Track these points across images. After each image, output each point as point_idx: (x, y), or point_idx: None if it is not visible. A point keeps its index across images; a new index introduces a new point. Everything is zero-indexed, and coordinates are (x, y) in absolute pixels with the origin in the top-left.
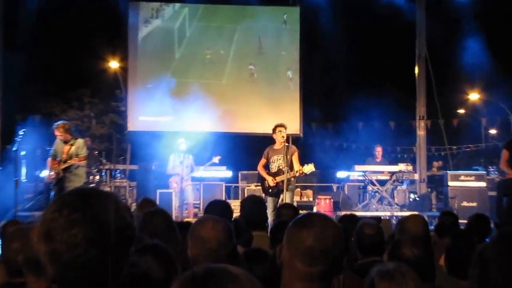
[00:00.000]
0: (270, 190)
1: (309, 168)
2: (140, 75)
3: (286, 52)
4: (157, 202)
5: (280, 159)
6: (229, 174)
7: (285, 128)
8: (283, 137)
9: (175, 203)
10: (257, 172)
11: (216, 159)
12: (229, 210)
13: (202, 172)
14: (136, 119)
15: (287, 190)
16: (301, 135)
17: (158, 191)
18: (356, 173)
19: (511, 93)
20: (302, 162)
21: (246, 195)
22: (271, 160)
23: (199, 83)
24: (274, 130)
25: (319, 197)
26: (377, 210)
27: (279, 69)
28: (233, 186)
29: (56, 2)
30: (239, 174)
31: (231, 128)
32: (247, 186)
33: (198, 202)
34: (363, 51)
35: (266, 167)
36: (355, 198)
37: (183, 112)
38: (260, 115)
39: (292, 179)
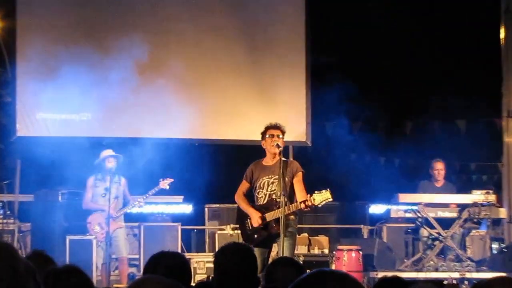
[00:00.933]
0: (255, 236)
1: (322, 197)
2: (38, 43)
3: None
4: (66, 256)
5: (273, 182)
6: (188, 209)
7: (282, 132)
8: (278, 146)
9: (96, 258)
10: (235, 205)
11: (164, 184)
12: (186, 270)
13: (144, 206)
14: (31, 118)
15: (285, 236)
16: (309, 143)
17: (69, 237)
18: (402, 206)
19: None
20: (311, 189)
21: (218, 244)
22: (258, 184)
23: (143, 65)
24: (263, 134)
25: (340, 247)
26: (437, 270)
27: (276, 46)
28: (195, 230)
29: None
30: (206, 210)
31: (194, 133)
32: (219, 229)
33: (136, 256)
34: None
35: (250, 196)
36: (400, 250)
37: (114, 107)
38: (246, 114)
39: (293, 216)
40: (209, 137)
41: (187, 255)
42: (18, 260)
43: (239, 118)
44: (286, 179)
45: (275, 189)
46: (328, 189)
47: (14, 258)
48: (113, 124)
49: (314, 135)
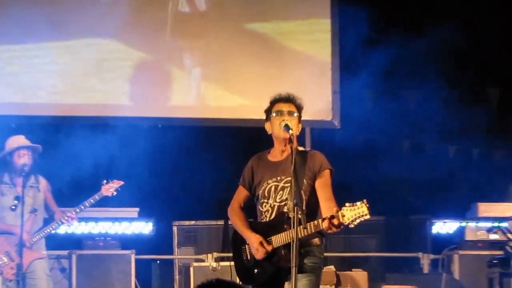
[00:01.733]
0: (255, 271)
1: (355, 213)
2: None
3: None
4: None
5: (284, 188)
6: (147, 228)
7: (297, 108)
8: (288, 128)
9: None
10: (220, 222)
11: (109, 189)
12: None
13: (77, 223)
14: None
15: (301, 271)
16: (337, 124)
17: None
18: (483, 223)
19: None
20: (342, 197)
21: (194, 284)
22: (261, 190)
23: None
24: (268, 112)
25: (386, 287)
26: None
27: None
28: (158, 261)
29: None
30: (175, 230)
31: (158, 109)
32: (196, 260)
33: None
34: None
35: (249, 209)
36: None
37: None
38: (245, 86)
39: (317, 240)
40: (181, 115)
41: None
42: None
43: (228, 84)
44: (304, 181)
45: (287, 198)
46: (364, 200)
47: None
48: (27, 95)
49: (345, 112)
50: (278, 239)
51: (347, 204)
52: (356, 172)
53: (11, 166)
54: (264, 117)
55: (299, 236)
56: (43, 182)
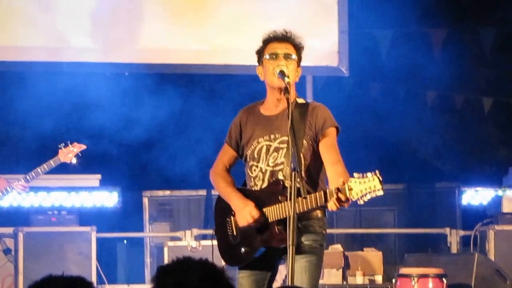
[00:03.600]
0: (243, 250)
1: (365, 186)
2: None
3: None
4: None
5: (278, 149)
6: (111, 200)
7: (296, 48)
8: (283, 74)
9: None
10: (204, 193)
11: (68, 154)
12: None
13: (27, 193)
14: None
15: (299, 252)
16: (345, 71)
17: None
18: None
19: None
20: (350, 164)
21: (166, 263)
22: (250, 150)
23: None
24: (260, 53)
25: (406, 271)
26: None
27: None
28: (125, 241)
29: None
30: (145, 202)
31: (124, 54)
32: (172, 238)
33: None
34: None
35: (239, 173)
36: None
37: None
38: (230, 24)
39: (319, 213)
40: (151, 61)
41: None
42: None
43: (208, 23)
44: (304, 142)
45: (282, 162)
46: (376, 171)
47: None
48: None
49: (354, 56)
50: (272, 213)
51: (355, 175)
52: (369, 132)
53: None
54: (255, 61)
55: (298, 210)
56: None
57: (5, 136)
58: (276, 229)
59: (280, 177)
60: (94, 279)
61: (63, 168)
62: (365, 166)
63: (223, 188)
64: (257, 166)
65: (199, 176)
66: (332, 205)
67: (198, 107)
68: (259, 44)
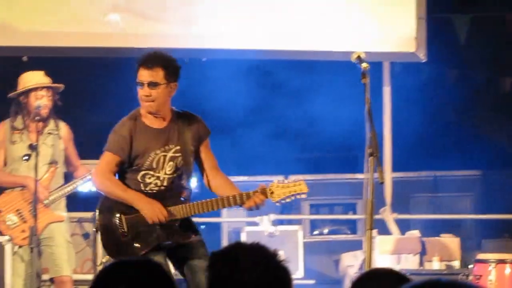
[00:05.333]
0: (136, 246)
1: (290, 190)
2: None
3: None
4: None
5: (172, 157)
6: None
7: (164, 68)
8: (148, 99)
9: (12, 276)
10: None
11: None
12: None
13: None
14: None
15: (199, 247)
16: (422, 56)
17: None
18: None
19: None
20: (429, 148)
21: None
22: (147, 159)
23: None
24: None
25: (481, 256)
26: None
27: None
28: (202, 226)
29: None
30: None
31: (200, 39)
32: (249, 224)
33: (88, 276)
34: None
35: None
36: None
37: None
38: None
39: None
40: (225, 46)
41: None
42: None
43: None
44: (192, 148)
45: (180, 168)
46: (302, 180)
47: None
48: (45, 22)
49: (432, 42)
50: (176, 211)
51: (276, 181)
52: (446, 118)
53: (25, 108)
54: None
55: (214, 209)
56: (64, 129)
57: (85, 122)
58: (178, 226)
59: (182, 181)
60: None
61: None
62: (441, 152)
63: (122, 190)
64: (153, 175)
65: (274, 162)
66: (250, 204)
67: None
68: (359, 30)
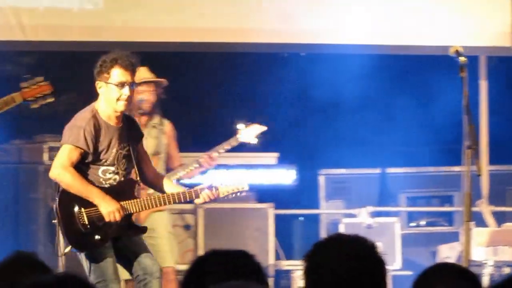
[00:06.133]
0: (97, 238)
1: (234, 186)
2: None
3: None
4: (59, 262)
5: (125, 155)
6: (288, 177)
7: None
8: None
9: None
10: (378, 171)
11: (248, 135)
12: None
13: (209, 170)
14: None
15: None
16: None
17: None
18: None
19: None
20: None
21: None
22: (110, 155)
23: None
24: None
25: None
26: None
27: None
28: (301, 218)
29: None
30: (321, 180)
31: (287, 34)
32: (347, 216)
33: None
34: None
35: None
36: None
37: None
38: None
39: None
40: (324, 41)
41: (286, 263)
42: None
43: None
44: (135, 147)
45: (133, 165)
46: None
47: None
48: (148, 17)
49: None
50: (130, 206)
51: (223, 184)
52: None
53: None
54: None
55: (170, 203)
56: (168, 126)
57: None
58: (134, 220)
59: (136, 178)
60: (271, 255)
61: (242, 146)
62: None
63: (81, 184)
64: (113, 171)
65: (373, 155)
66: (200, 201)
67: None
68: (455, 24)
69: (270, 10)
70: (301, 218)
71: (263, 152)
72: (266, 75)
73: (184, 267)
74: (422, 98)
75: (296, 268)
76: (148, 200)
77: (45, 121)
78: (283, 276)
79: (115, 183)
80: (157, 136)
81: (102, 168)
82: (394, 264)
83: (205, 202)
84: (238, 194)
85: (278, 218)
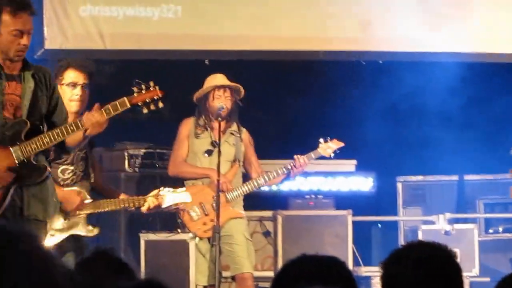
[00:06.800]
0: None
1: (178, 196)
2: None
3: None
4: (140, 268)
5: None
6: (366, 184)
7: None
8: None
9: (195, 273)
10: (456, 178)
11: (328, 149)
12: None
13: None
14: (71, 16)
15: None
16: None
17: (143, 236)
18: None
19: None
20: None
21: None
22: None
23: None
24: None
25: None
26: None
27: None
28: (379, 225)
29: None
30: (399, 186)
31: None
32: (425, 223)
33: (269, 273)
34: None
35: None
36: None
37: None
38: None
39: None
40: (393, 49)
41: (364, 270)
42: (54, 266)
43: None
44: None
45: (85, 169)
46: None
47: (47, 263)
48: (227, 26)
49: None
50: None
51: (166, 188)
52: None
53: (207, 109)
54: None
55: (109, 208)
56: (245, 134)
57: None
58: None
59: None
60: (350, 261)
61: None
62: None
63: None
64: (70, 170)
65: (451, 162)
66: (145, 208)
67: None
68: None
69: (349, 18)
70: (379, 225)
71: (341, 159)
72: (344, 82)
73: (263, 273)
74: (503, 105)
75: (375, 275)
76: (102, 203)
77: (126, 129)
78: (361, 283)
79: (72, 183)
80: (235, 143)
81: (62, 167)
82: (472, 271)
83: (149, 209)
84: (181, 206)
85: (356, 224)
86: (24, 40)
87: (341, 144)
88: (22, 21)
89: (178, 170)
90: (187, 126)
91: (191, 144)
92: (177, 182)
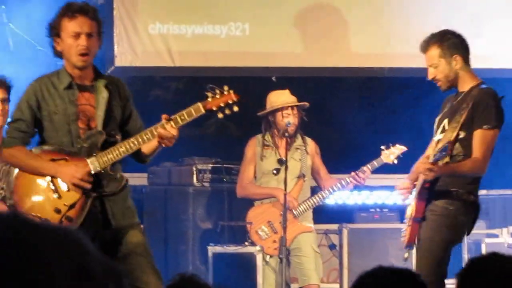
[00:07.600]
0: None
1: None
2: None
3: None
4: (208, 281)
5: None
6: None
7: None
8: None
9: (263, 286)
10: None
11: (391, 155)
12: None
13: (350, 193)
14: (140, 34)
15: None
16: None
17: (211, 249)
18: None
19: None
20: None
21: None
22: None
23: None
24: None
25: None
26: None
27: None
28: None
29: None
30: None
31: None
32: (488, 236)
33: (335, 285)
34: None
35: None
36: None
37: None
38: None
39: None
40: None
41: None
42: (90, 256)
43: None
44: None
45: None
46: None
47: (83, 254)
48: (294, 43)
49: None
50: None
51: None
52: None
53: (273, 126)
54: None
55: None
56: (311, 145)
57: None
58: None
59: None
60: None
61: (385, 168)
62: None
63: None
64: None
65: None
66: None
67: None
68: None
69: (412, 34)
70: None
71: (405, 174)
72: (405, 97)
73: (328, 285)
74: None
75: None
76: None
77: (194, 144)
78: None
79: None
80: (301, 158)
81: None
82: None
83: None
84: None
85: None
86: (82, 41)
87: (404, 149)
88: (78, 23)
89: (246, 192)
90: (253, 147)
91: (258, 165)
92: (245, 201)
